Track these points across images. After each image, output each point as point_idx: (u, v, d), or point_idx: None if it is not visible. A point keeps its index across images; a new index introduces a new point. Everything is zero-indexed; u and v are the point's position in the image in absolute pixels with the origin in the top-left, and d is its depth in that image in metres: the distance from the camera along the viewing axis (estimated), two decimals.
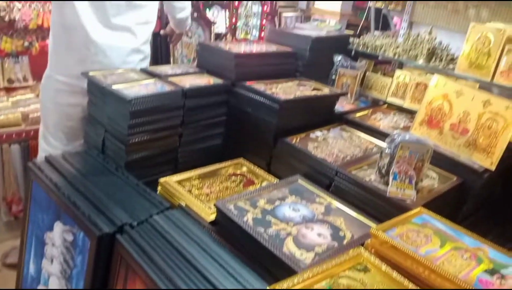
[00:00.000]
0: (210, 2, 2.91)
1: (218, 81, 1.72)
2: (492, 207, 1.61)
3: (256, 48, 1.92)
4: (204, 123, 1.67)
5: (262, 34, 3.13)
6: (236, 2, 2.93)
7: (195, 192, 1.36)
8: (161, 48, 2.46)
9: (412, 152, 1.26)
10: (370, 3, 2.62)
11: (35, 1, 2.33)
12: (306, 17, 3.60)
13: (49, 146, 1.88)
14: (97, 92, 1.55)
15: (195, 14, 2.56)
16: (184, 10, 2.14)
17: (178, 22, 2.20)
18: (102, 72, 1.64)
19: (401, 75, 1.92)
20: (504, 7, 1.86)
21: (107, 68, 1.73)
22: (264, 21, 3.10)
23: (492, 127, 1.42)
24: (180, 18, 2.16)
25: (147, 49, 1.93)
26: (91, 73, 1.61)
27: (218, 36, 2.82)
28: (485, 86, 1.70)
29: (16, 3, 2.27)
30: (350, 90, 1.96)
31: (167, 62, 2.54)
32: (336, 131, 1.71)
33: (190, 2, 2.13)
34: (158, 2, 1.89)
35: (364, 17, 2.97)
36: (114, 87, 1.50)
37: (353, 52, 2.13)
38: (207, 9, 2.88)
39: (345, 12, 3.42)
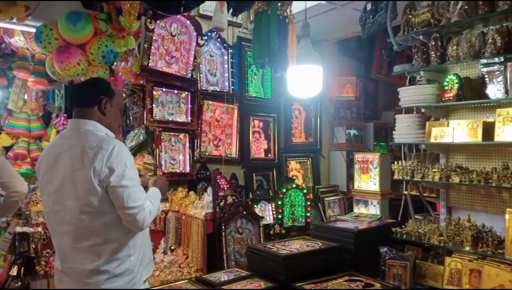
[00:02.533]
0: (257, 198, 3.21)
1: (268, 285, 1.79)
2: None
3: (302, 246, 2.03)
4: None
5: (308, 220, 3.28)
6: (280, 194, 3.20)
7: None
8: (215, 247, 2.64)
9: None
10: (405, 191, 2.78)
11: None
12: (347, 199, 3.79)
13: None
14: None
15: (244, 212, 2.80)
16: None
17: None
18: (163, 287, 1.77)
19: (452, 262, 1.91)
20: None
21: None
22: (309, 208, 3.30)
23: None
24: None
25: (113, 268, 1.77)
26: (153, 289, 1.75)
27: (267, 228, 3.00)
28: None
29: None
30: (403, 281, 1.95)
31: (221, 258, 2.66)
32: None
33: None
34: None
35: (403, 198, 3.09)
36: None
37: (398, 238, 2.19)
38: (255, 205, 3.14)
39: (385, 191, 3.58)
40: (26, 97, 4.08)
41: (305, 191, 3.31)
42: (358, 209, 3.47)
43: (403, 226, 2.20)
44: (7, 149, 4.20)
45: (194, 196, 2.93)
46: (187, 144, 3.18)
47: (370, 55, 4.37)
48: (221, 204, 2.78)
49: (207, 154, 3.25)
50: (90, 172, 1.70)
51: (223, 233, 2.65)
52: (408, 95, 2.35)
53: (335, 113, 4.11)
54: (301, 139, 3.87)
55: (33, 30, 3.06)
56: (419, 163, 2.24)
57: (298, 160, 3.84)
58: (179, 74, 3.08)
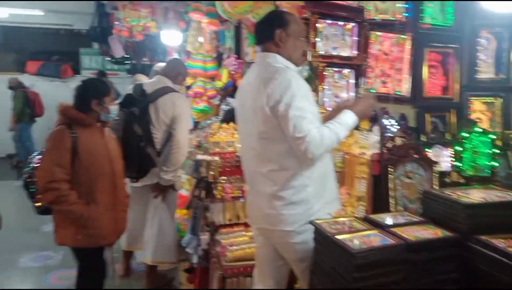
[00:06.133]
0: (431, 141, 2.88)
1: (447, 233, 1.59)
2: None
3: (489, 195, 1.73)
4: (431, 280, 1.53)
5: (494, 171, 2.82)
6: (460, 138, 2.79)
7: None
8: (381, 189, 2.50)
9: None
10: None
11: None
12: None
13: None
14: (323, 241, 1.65)
15: (415, 155, 2.55)
16: None
17: None
18: (327, 221, 1.75)
19: None
20: None
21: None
22: (495, 156, 2.82)
23: None
24: None
25: (289, 195, 1.84)
26: (317, 221, 1.74)
27: (442, 175, 2.69)
28: None
29: None
30: None
31: (387, 201, 2.52)
32: None
33: None
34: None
35: None
36: (339, 237, 1.56)
37: None
38: (428, 149, 2.83)
39: None
40: (201, 39, 4.45)
41: (491, 136, 2.82)
42: None
43: None
44: (187, 88, 4.73)
45: (358, 135, 2.79)
46: (352, 81, 3.01)
47: None
48: (389, 145, 2.59)
49: (373, 91, 3.04)
50: (264, 101, 1.80)
51: (391, 175, 2.48)
52: None
53: None
54: (488, 75, 3.24)
55: None
56: None
57: (484, 100, 3.25)
58: (345, 3, 2.87)
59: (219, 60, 4.69)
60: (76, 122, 2.38)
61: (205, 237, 2.92)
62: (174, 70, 3.23)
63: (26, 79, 8.60)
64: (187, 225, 3.30)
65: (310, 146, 1.72)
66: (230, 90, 4.45)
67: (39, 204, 2.48)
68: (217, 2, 3.05)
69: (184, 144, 3.07)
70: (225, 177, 2.77)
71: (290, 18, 1.93)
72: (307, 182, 1.85)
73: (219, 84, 4.47)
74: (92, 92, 2.44)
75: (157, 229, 3.16)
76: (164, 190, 3.11)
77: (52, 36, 9.53)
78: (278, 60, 1.89)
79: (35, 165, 2.48)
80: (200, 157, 2.82)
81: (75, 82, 8.15)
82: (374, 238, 1.56)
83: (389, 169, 2.43)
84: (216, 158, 2.78)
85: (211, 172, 2.75)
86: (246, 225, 2.75)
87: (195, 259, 2.95)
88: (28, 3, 7.32)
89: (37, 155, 2.55)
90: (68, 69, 9.14)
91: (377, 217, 1.80)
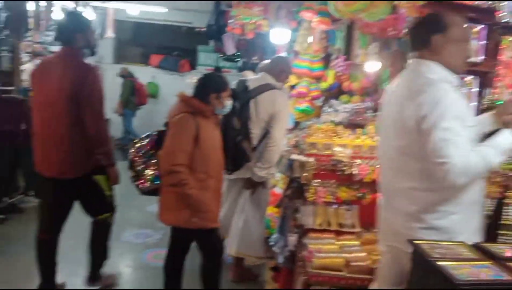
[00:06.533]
0: None
1: None
2: None
3: None
4: None
5: None
6: None
7: None
8: (496, 216, 2.16)
9: None
10: None
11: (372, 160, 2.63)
12: None
13: None
14: (422, 264, 1.47)
15: None
16: None
17: None
18: (429, 243, 1.55)
19: None
20: None
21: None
22: None
23: None
24: None
25: (430, 219, 1.69)
26: (416, 242, 1.55)
27: None
28: None
29: (358, 160, 2.62)
30: None
31: (500, 230, 2.18)
32: None
33: None
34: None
35: None
36: (441, 263, 1.37)
37: None
38: None
39: None
40: (310, 39, 4.38)
41: None
42: None
43: None
44: (291, 87, 4.69)
45: None
46: (475, 89, 2.67)
47: None
48: None
49: (500, 103, 2.64)
50: (410, 114, 1.66)
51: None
52: None
53: None
54: None
55: None
56: None
57: None
58: (472, 3, 2.55)
59: (326, 60, 4.56)
60: (198, 112, 2.49)
61: (293, 238, 2.85)
62: (277, 68, 3.24)
63: (149, 71, 9.47)
64: (277, 223, 3.28)
65: (448, 174, 1.57)
66: (334, 92, 4.31)
67: (146, 185, 2.64)
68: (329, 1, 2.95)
69: (280, 142, 3.05)
70: (319, 180, 2.67)
71: (450, 21, 1.72)
72: (454, 209, 1.69)
73: (324, 85, 4.35)
74: (213, 86, 2.55)
75: (243, 223, 3.21)
76: (255, 185, 3.13)
77: (173, 33, 10.33)
78: (433, 70, 1.71)
79: (139, 149, 2.66)
80: (294, 156, 2.76)
81: (191, 76, 8.76)
82: (485, 270, 1.34)
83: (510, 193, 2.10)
84: (311, 159, 2.69)
85: (305, 173, 2.67)
86: (337, 233, 2.62)
87: (281, 259, 2.91)
88: (155, 1, 8.01)
89: (145, 139, 2.71)
90: (185, 64, 9.80)
91: (492, 246, 1.55)
